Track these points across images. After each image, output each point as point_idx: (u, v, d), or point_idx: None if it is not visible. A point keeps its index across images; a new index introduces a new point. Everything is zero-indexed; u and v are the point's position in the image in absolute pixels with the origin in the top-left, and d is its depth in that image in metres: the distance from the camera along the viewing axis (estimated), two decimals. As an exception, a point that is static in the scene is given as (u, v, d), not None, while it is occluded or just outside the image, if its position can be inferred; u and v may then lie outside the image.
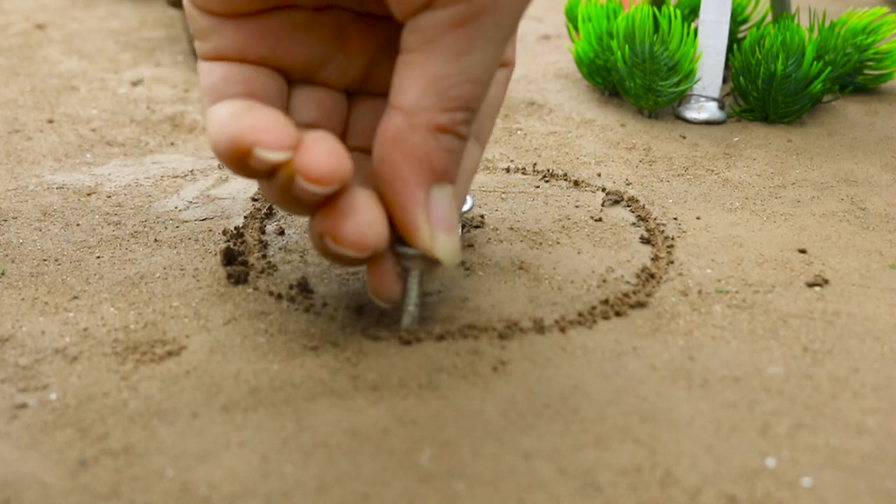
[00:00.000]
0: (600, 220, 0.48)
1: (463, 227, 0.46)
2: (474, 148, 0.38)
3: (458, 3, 0.31)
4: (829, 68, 0.63)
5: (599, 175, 0.54)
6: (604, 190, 0.52)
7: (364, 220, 0.33)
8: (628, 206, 0.50)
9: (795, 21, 0.64)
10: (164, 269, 0.43)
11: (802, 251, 0.45)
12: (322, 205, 0.33)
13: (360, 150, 0.38)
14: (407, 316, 0.38)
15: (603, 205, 0.50)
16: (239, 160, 0.31)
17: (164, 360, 0.36)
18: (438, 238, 0.34)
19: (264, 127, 0.31)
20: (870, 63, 0.69)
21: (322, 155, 0.31)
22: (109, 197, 0.51)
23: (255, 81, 0.35)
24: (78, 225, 0.47)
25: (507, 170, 0.55)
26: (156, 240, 0.46)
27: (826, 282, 0.43)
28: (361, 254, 0.33)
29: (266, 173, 0.32)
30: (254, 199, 0.50)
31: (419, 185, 0.33)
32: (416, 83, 0.32)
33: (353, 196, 0.33)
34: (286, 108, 0.37)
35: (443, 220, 0.34)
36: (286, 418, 0.33)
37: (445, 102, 0.32)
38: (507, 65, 0.39)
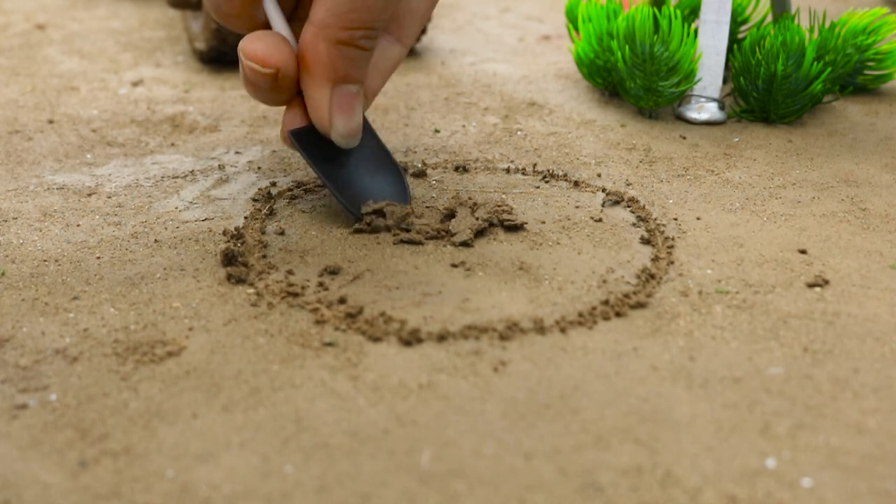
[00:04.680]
0: (600, 220, 0.48)
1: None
2: (394, 47, 0.47)
3: None
4: (830, 69, 0.63)
5: (600, 175, 0.54)
6: (604, 190, 0.52)
7: (271, 42, 0.43)
8: (628, 206, 0.50)
9: (795, 21, 0.64)
10: (165, 269, 0.43)
11: (803, 251, 0.45)
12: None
13: None
14: None
15: (603, 205, 0.50)
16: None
17: (165, 360, 0.36)
18: (335, 120, 0.44)
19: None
20: (870, 63, 0.69)
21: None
22: (110, 197, 0.51)
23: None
24: (78, 225, 0.47)
25: (508, 170, 0.55)
26: (156, 240, 0.46)
27: (826, 282, 0.43)
28: (264, 69, 0.43)
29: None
30: (254, 200, 0.50)
31: (324, 82, 0.43)
32: (324, 5, 0.41)
33: (270, 33, 0.43)
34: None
35: (342, 107, 0.44)
36: (286, 418, 0.33)
37: (344, 22, 0.41)
38: None
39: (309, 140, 0.47)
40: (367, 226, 0.46)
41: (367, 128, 0.49)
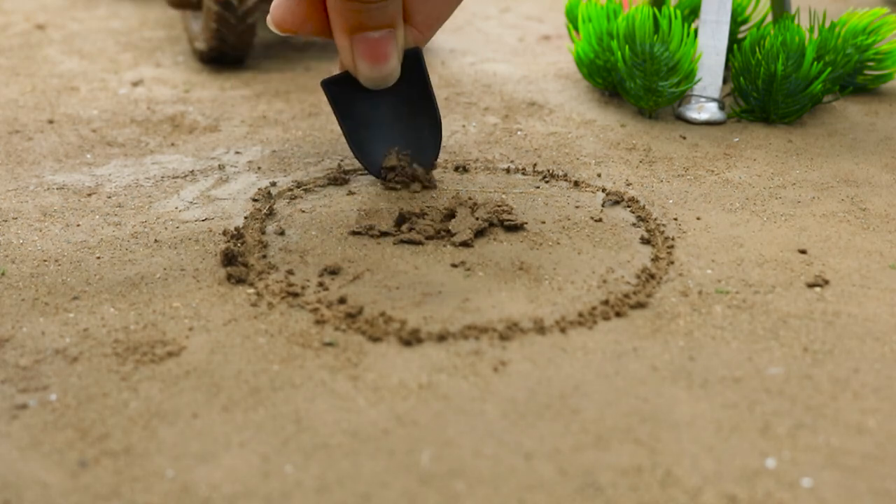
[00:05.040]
0: (600, 220, 0.48)
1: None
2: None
3: None
4: (830, 69, 0.63)
5: (599, 175, 0.54)
6: (604, 190, 0.52)
7: (287, 7, 0.46)
8: (628, 206, 0.50)
9: (795, 21, 0.64)
10: (164, 269, 0.43)
11: (803, 251, 0.45)
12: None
13: None
14: None
15: (603, 205, 0.50)
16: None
17: (165, 360, 0.36)
18: (360, 65, 0.47)
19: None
20: (870, 63, 0.69)
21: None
22: (110, 197, 0.51)
23: None
24: (78, 225, 0.47)
25: (508, 170, 0.55)
26: (156, 240, 0.46)
27: (826, 282, 0.43)
28: (279, 31, 0.46)
29: None
30: (254, 200, 0.50)
31: (342, 33, 0.46)
32: None
33: None
34: None
35: (363, 53, 0.46)
36: (286, 418, 0.33)
37: None
38: None
39: (342, 89, 0.49)
40: (384, 180, 0.49)
41: (415, 69, 0.49)
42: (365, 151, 0.50)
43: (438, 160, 0.56)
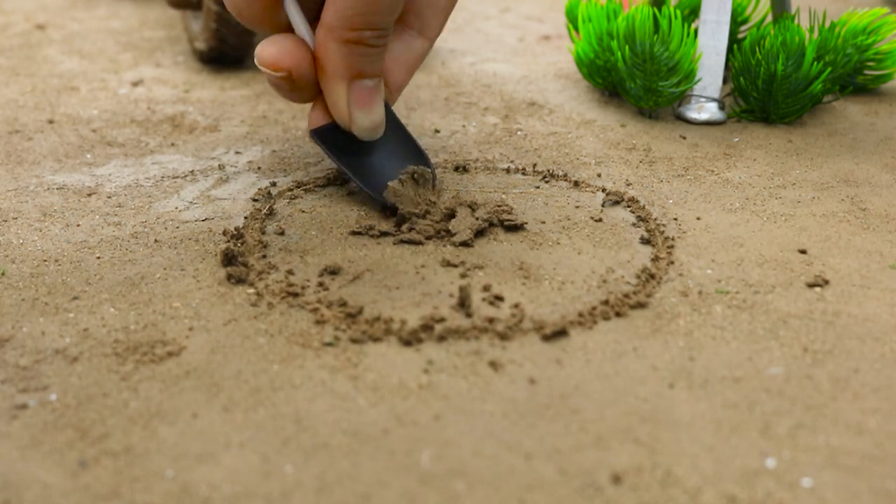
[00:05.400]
0: (600, 220, 0.48)
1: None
2: (416, 41, 0.48)
3: None
4: (830, 69, 0.63)
5: (600, 175, 0.54)
6: (604, 190, 0.52)
7: (283, 46, 0.44)
8: (628, 206, 0.50)
9: (795, 21, 0.64)
10: (165, 269, 0.43)
11: (803, 251, 0.45)
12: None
13: None
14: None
15: (603, 205, 0.50)
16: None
17: (165, 360, 0.36)
18: (355, 114, 0.46)
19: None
20: (870, 63, 0.69)
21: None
22: (110, 197, 0.51)
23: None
24: (78, 225, 0.47)
25: (508, 170, 0.55)
26: (156, 240, 0.46)
27: (826, 282, 0.43)
28: (276, 73, 0.44)
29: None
30: (254, 200, 0.50)
31: (338, 79, 0.45)
32: (333, 6, 0.42)
33: (284, 36, 0.45)
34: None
35: (359, 102, 0.45)
36: (286, 418, 0.33)
37: (351, 24, 0.42)
38: None
39: (332, 138, 0.48)
40: (394, 213, 0.48)
41: (392, 120, 0.50)
42: (372, 183, 0.49)
43: (438, 160, 0.56)
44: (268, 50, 0.44)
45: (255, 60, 0.45)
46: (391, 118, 0.50)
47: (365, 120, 0.46)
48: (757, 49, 0.63)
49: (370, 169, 0.49)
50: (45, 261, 0.44)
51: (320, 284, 0.42)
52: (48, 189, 0.52)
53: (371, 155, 0.49)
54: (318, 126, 0.48)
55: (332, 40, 0.43)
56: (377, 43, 0.44)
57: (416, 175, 0.48)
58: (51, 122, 0.63)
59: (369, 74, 0.45)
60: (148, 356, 0.37)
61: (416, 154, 0.50)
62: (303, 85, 0.46)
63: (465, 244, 0.45)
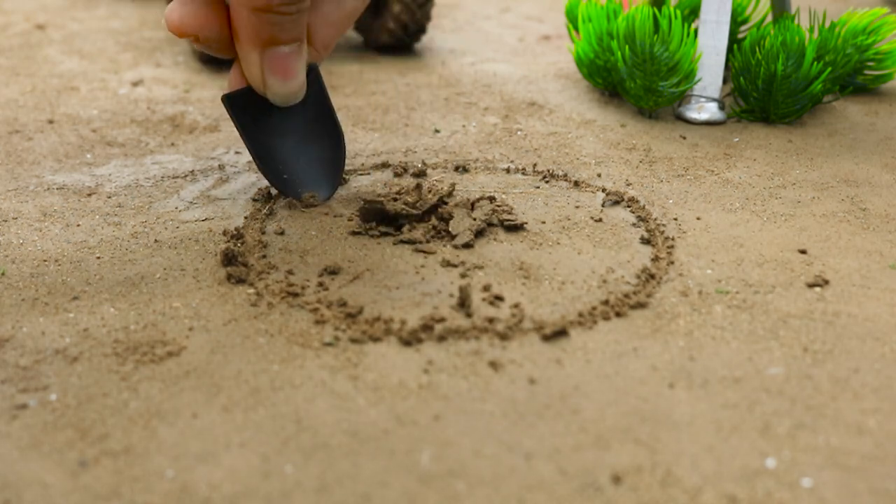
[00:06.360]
0: (600, 220, 0.48)
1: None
2: (335, 8, 0.46)
3: None
4: (830, 69, 0.63)
5: (600, 175, 0.54)
6: (604, 190, 0.52)
7: (190, 9, 0.43)
8: (628, 206, 0.50)
9: (795, 21, 0.64)
10: (165, 269, 0.43)
11: (803, 251, 0.45)
12: None
13: None
14: None
15: (603, 205, 0.50)
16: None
17: (165, 360, 0.36)
18: (269, 81, 0.45)
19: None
20: (870, 63, 0.69)
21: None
22: (110, 197, 0.51)
23: None
24: (78, 225, 0.47)
25: (508, 170, 0.55)
26: (156, 240, 0.46)
27: (826, 282, 0.43)
28: (180, 36, 0.44)
29: None
30: (254, 200, 0.50)
31: (252, 47, 0.44)
32: None
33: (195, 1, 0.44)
34: None
35: (274, 69, 0.44)
36: (286, 418, 0.33)
37: None
38: None
39: (244, 103, 0.47)
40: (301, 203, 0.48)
41: (315, 84, 0.48)
42: (270, 167, 0.48)
43: (438, 160, 0.56)
44: (175, 12, 0.43)
45: (164, 22, 0.44)
46: (316, 84, 0.48)
47: (280, 87, 0.45)
48: (757, 49, 0.63)
49: (277, 147, 0.48)
50: (45, 261, 0.44)
51: (320, 284, 0.42)
52: (48, 189, 0.52)
53: (279, 130, 0.48)
54: (233, 90, 0.47)
55: (243, 6, 0.42)
56: (288, 10, 0.42)
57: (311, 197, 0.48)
58: (51, 122, 0.63)
59: (284, 41, 0.44)
60: (148, 356, 0.37)
61: (329, 131, 0.49)
62: (215, 47, 0.45)
63: (466, 245, 0.45)
